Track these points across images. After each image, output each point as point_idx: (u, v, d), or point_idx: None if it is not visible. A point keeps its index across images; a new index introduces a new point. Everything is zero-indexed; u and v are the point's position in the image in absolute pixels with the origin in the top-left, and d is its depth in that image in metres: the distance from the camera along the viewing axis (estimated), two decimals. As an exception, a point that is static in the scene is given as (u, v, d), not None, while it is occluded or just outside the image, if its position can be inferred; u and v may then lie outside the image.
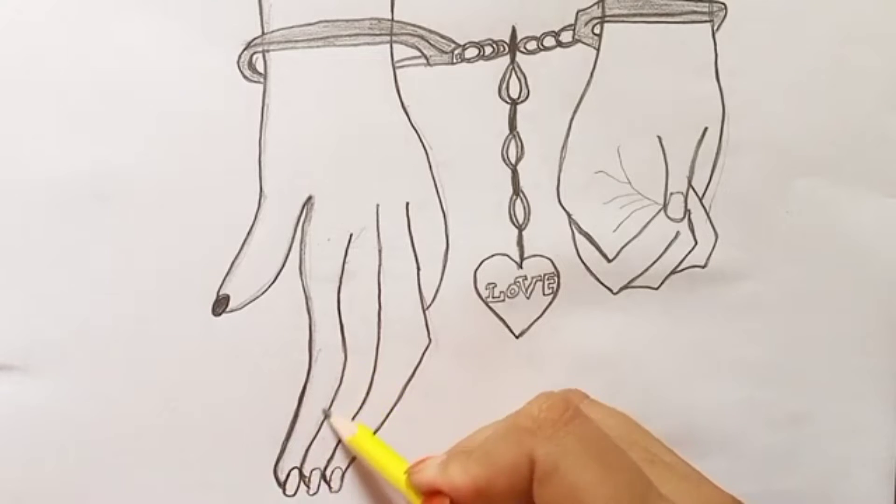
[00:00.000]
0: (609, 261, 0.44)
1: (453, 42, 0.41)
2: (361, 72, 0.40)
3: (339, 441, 0.41)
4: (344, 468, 0.42)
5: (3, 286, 0.37)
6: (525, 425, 0.38)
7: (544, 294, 0.44)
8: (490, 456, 0.38)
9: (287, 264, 0.40)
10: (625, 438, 0.39)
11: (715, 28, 0.44)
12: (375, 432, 0.42)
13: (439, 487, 0.39)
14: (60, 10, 0.37)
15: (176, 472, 0.40)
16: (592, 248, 0.44)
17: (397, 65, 0.41)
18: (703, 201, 0.45)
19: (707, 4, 0.43)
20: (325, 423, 0.41)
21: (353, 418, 0.42)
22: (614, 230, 0.44)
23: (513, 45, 0.42)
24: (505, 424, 0.40)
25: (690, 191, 0.44)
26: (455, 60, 0.41)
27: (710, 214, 0.45)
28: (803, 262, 0.46)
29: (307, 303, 0.41)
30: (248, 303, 0.40)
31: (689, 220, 0.44)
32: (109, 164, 0.38)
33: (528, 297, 0.43)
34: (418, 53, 0.41)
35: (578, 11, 0.42)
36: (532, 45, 0.42)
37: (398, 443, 0.42)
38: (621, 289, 0.45)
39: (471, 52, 0.41)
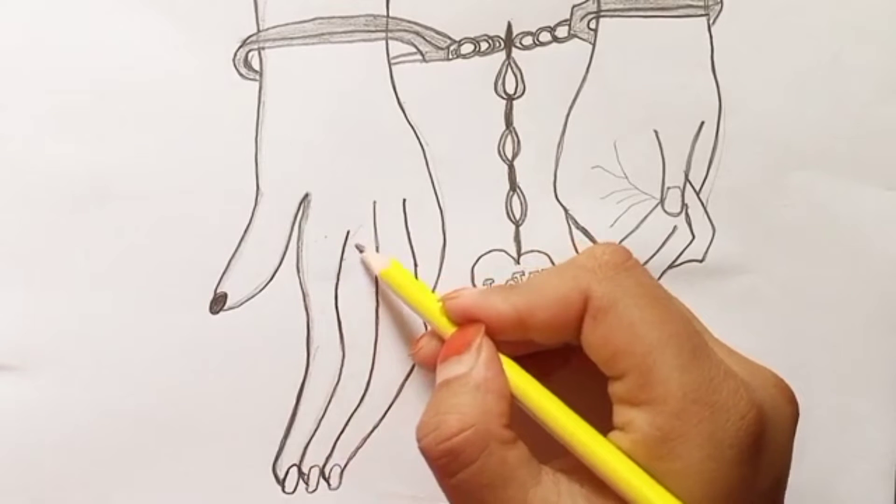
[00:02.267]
0: (607, 256, 0.44)
1: (449, 38, 0.41)
2: (357, 68, 0.40)
3: (374, 276, 0.41)
4: (342, 466, 0.42)
5: (2, 286, 0.38)
6: (585, 264, 0.37)
7: (542, 290, 0.44)
8: (539, 287, 0.37)
9: (284, 262, 0.40)
10: (678, 301, 0.39)
11: (711, 22, 0.44)
12: (373, 430, 0.42)
13: (476, 314, 0.37)
14: (56, 9, 0.37)
15: (174, 470, 0.40)
16: (590, 243, 0.44)
17: (393, 61, 0.41)
18: (701, 195, 0.44)
19: (703, -2, 0.43)
20: (323, 421, 0.41)
21: (352, 416, 0.42)
22: (611, 225, 0.44)
23: (508, 41, 0.42)
24: (562, 263, 0.39)
25: (687, 185, 0.44)
26: (451, 56, 0.41)
27: (708, 209, 0.45)
28: (801, 256, 0.46)
29: (304, 300, 0.41)
30: (246, 301, 0.40)
31: (687, 215, 0.44)
32: (105, 162, 0.38)
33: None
34: (414, 50, 0.41)
35: (574, 6, 0.42)
36: (528, 41, 0.42)
37: (397, 440, 0.42)
38: (619, 284, 0.45)
39: (466, 48, 0.41)
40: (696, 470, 0.34)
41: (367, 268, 0.41)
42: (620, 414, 0.36)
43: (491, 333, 0.37)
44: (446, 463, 0.35)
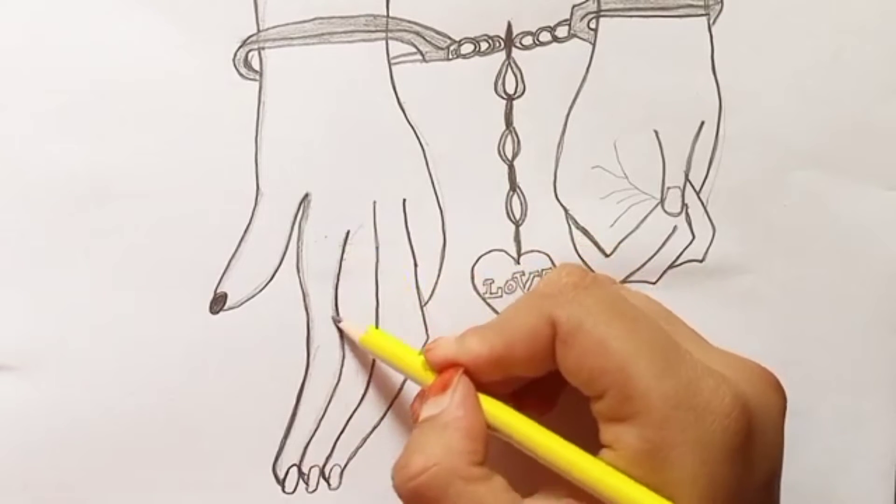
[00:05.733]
0: (606, 256, 0.44)
1: (449, 38, 0.41)
2: (357, 68, 0.40)
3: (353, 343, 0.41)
4: (342, 465, 0.42)
5: (2, 286, 0.38)
6: (545, 291, 0.38)
7: (542, 289, 0.44)
8: (508, 323, 0.38)
9: (284, 262, 0.40)
10: (646, 307, 0.39)
11: (711, 22, 0.44)
12: (373, 430, 0.42)
13: (455, 361, 0.38)
14: (57, 9, 0.37)
15: (175, 470, 0.40)
16: (590, 244, 0.44)
17: (393, 61, 0.41)
18: (701, 195, 0.44)
19: (703, -2, 0.43)
20: (323, 421, 0.41)
21: (351, 416, 0.42)
22: (611, 225, 0.44)
23: (508, 41, 0.42)
24: (525, 296, 0.39)
25: (688, 185, 0.44)
26: (451, 56, 0.41)
27: (708, 208, 0.45)
28: (802, 256, 0.46)
29: (305, 300, 0.41)
30: (246, 300, 0.40)
31: (687, 215, 0.44)
32: (106, 162, 0.38)
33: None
34: (414, 50, 0.41)
35: (574, 6, 0.42)
36: (528, 41, 0.42)
37: (396, 440, 0.42)
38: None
39: (466, 48, 0.41)
40: (691, 476, 0.34)
41: (347, 335, 0.41)
42: (607, 432, 0.36)
43: (473, 376, 0.38)
44: (414, 502, 0.35)
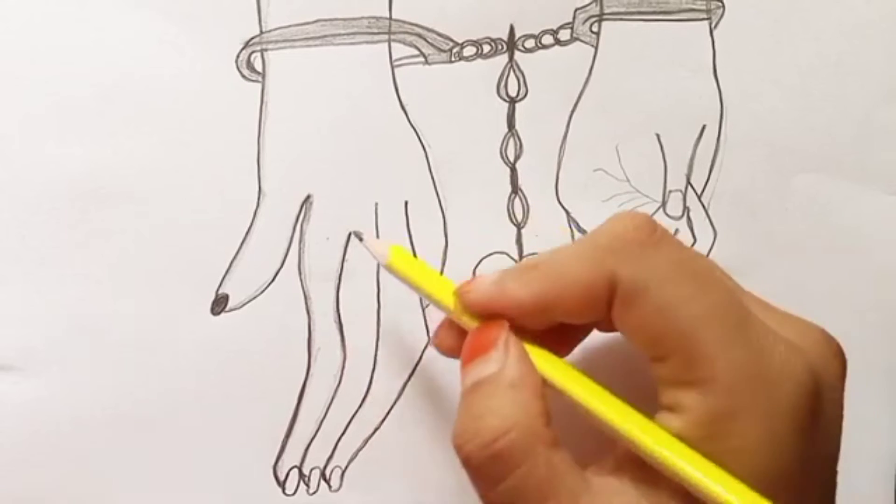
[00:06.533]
0: (608, 259, 0.44)
1: (451, 40, 0.41)
2: (359, 71, 0.40)
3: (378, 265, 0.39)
4: (343, 467, 0.42)
5: (2, 286, 0.38)
6: (608, 244, 0.34)
7: (543, 292, 0.44)
8: (560, 272, 0.34)
9: (286, 263, 0.40)
10: (714, 268, 0.36)
11: (713, 25, 0.44)
12: (374, 432, 0.42)
13: (496, 309, 0.34)
14: (58, 10, 0.37)
15: (175, 471, 0.40)
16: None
17: (395, 63, 0.41)
18: (702, 199, 0.44)
19: (705, 2, 0.43)
20: (324, 423, 0.41)
21: (353, 418, 0.42)
22: (613, 228, 0.44)
23: (511, 44, 0.42)
24: (580, 242, 0.35)
25: (689, 188, 0.44)
26: (453, 59, 0.41)
27: (709, 212, 0.45)
28: (802, 260, 0.46)
29: (306, 302, 0.41)
30: (247, 302, 0.40)
31: (688, 218, 0.44)
32: (107, 163, 0.38)
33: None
34: (416, 52, 0.41)
35: (576, 9, 0.42)
36: (530, 44, 0.42)
37: (398, 441, 0.42)
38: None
39: (469, 51, 0.41)
40: (754, 447, 0.32)
41: (372, 254, 0.39)
42: (667, 395, 0.33)
43: (510, 321, 0.35)
44: (491, 470, 0.32)
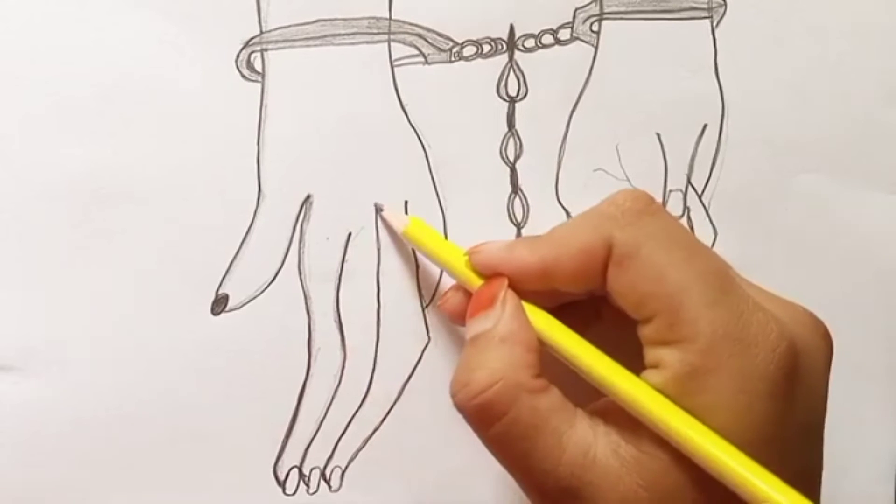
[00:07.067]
0: (608, 258, 0.44)
1: (451, 40, 0.41)
2: (359, 71, 0.40)
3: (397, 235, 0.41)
4: (343, 467, 0.42)
5: (2, 286, 0.38)
6: (606, 211, 0.37)
7: (543, 292, 0.44)
8: (563, 237, 0.37)
9: (286, 263, 0.40)
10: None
11: (714, 24, 0.44)
12: (374, 432, 0.42)
13: (501, 268, 0.37)
14: (58, 10, 0.37)
15: (175, 471, 0.40)
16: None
17: (395, 63, 0.41)
18: (703, 199, 0.44)
19: (706, 1, 0.43)
20: (324, 423, 0.41)
21: (353, 418, 0.42)
22: (613, 228, 0.44)
23: (511, 43, 0.42)
24: (584, 213, 0.38)
25: (689, 188, 0.44)
26: (453, 59, 0.41)
27: (710, 212, 0.45)
28: (803, 259, 0.46)
29: (306, 302, 0.41)
30: (247, 302, 0.40)
31: (689, 218, 0.44)
32: (108, 163, 0.38)
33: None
34: (416, 52, 0.41)
35: (576, 9, 0.42)
36: (530, 43, 0.42)
37: (398, 441, 0.42)
38: (621, 286, 0.45)
39: (469, 51, 0.41)
40: (726, 403, 0.34)
41: (387, 226, 0.41)
42: (650, 354, 0.35)
43: (516, 285, 0.37)
44: (480, 418, 0.35)
